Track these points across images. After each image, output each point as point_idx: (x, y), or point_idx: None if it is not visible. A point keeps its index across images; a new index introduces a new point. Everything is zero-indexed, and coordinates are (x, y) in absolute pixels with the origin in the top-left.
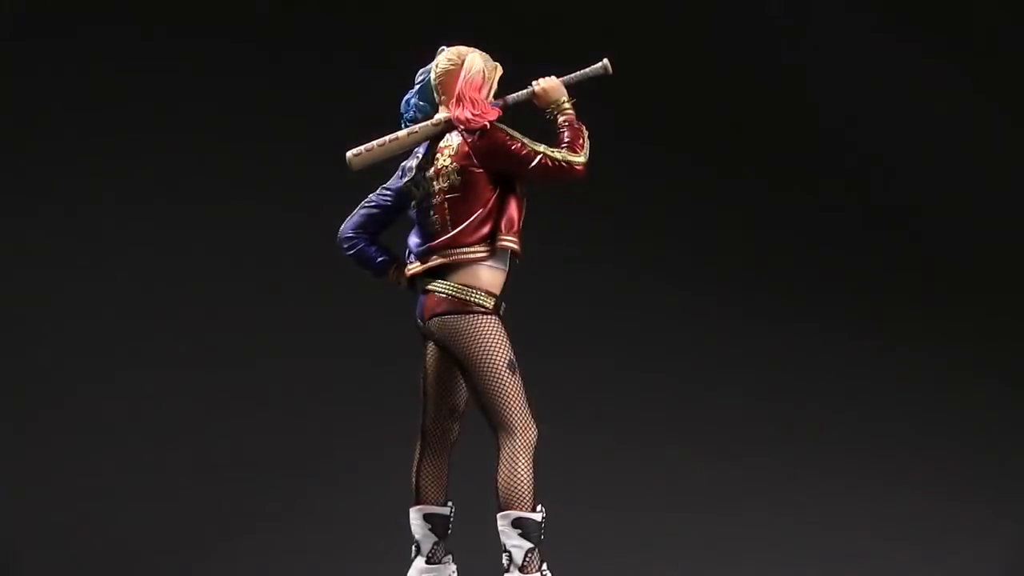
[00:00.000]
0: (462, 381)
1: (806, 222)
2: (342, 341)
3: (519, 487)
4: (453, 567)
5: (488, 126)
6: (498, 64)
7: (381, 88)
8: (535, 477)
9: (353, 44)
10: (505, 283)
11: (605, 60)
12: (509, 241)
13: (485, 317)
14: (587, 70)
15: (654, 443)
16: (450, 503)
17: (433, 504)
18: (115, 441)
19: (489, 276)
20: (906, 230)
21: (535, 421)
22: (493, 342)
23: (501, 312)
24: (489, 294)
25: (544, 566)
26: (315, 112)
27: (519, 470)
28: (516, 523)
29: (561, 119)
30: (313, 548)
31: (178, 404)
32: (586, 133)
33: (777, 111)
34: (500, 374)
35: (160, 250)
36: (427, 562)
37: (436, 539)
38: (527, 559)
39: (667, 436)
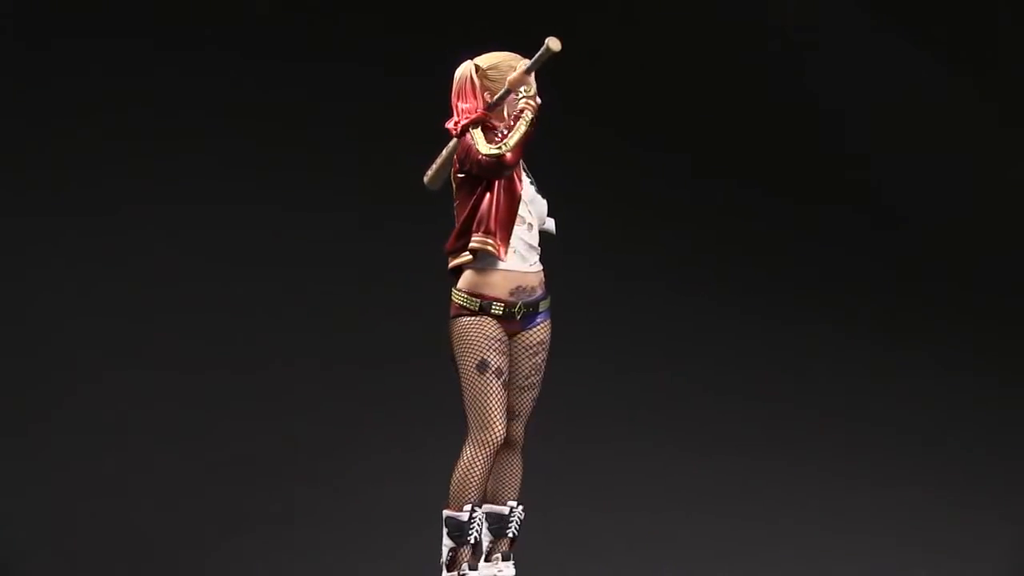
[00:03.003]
0: (517, 384)
1: (806, 222)
2: (343, 341)
3: (458, 486)
4: (504, 564)
5: (458, 130)
6: (518, 64)
7: (381, 90)
8: (481, 479)
9: (351, 45)
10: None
11: (547, 41)
12: (476, 241)
13: (468, 319)
14: (536, 56)
15: (653, 443)
16: (512, 503)
17: (492, 503)
18: (115, 441)
19: (476, 278)
20: (906, 229)
21: (501, 424)
22: (467, 342)
23: (501, 312)
24: (474, 295)
25: (465, 567)
26: (315, 113)
27: (468, 470)
28: (445, 521)
29: (517, 110)
30: (313, 548)
31: (178, 404)
32: (526, 120)
33: (777, 111)
34: (467, 373)
35: (161, 250)
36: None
37: (492, 538)
38: (449, 557)
39: (667, 436)
